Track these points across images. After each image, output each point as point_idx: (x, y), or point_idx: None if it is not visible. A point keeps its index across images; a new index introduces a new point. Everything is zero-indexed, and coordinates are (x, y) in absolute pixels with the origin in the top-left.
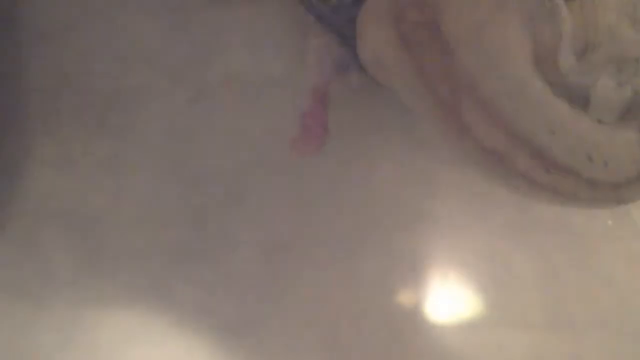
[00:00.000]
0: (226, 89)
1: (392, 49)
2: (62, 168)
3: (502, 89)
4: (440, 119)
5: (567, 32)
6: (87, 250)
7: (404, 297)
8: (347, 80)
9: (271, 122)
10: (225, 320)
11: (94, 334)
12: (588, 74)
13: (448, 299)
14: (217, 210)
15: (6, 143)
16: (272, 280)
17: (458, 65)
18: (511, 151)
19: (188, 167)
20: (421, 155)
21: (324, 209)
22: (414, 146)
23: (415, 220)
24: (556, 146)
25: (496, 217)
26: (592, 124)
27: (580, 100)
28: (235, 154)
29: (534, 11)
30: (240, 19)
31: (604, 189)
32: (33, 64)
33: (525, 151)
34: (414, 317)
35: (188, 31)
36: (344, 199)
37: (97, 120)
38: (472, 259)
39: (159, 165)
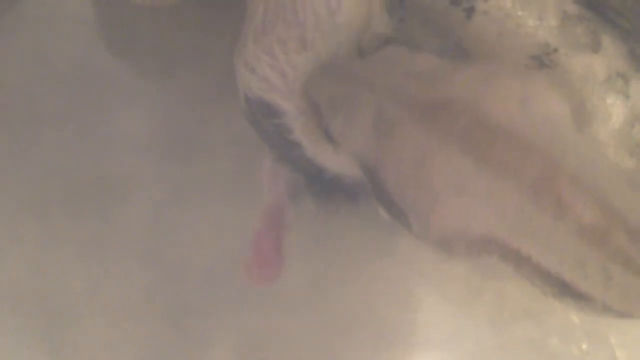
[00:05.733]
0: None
1: None
2: (45, 252)
3: (584, 164)
4: (530, 206)
5: None
6: (62, 336)
7: None
8: (302, 206)
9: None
10: None
11: None
12: None
13: None
14: (193, 307)
15: None
16: None
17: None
18: (610, 225)
19: (168, 259)
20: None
21: (301, 312)
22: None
23: (389, 338)
24: None
25: (471, 336)
26: None
27: None
28: (216, 250)
29: None
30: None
31: None
32: (21, 149)
33: (621, 225)
34: None
35: (174, 123)
36: (323, 302)
37: (81, 206)
38: None
39: (139, 255)
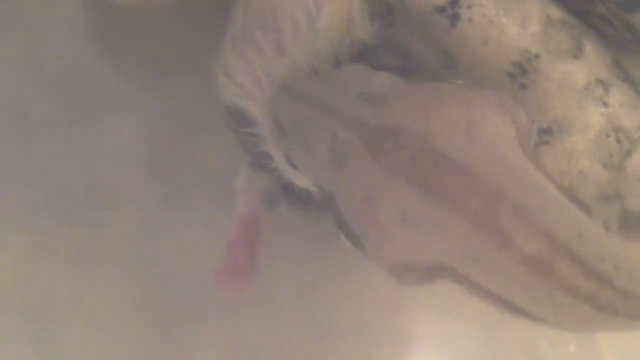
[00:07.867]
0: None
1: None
2: (33, 259)
3: (529, 193)
4: (474, 236)
5: None
6: (50, 344)
7: None
8: (277, 213)
9: None
10: None
11: None
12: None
13: None
14: (181, 314)
15: None
16: None
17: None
18: (553, 256)
19: (156, 267)
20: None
21: (289, 318)
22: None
23: (378, 343)
24: (587, 251)
25: (461, 339)
26: (605, 232)
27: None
28: (205, 258)
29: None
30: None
31: (636, 301)
32: (10, 156)
33: (565, 255)
34: None
35: (164, 130)
36: (311, 308)
37: (71, 213)
38: None
39: (127, 262)
